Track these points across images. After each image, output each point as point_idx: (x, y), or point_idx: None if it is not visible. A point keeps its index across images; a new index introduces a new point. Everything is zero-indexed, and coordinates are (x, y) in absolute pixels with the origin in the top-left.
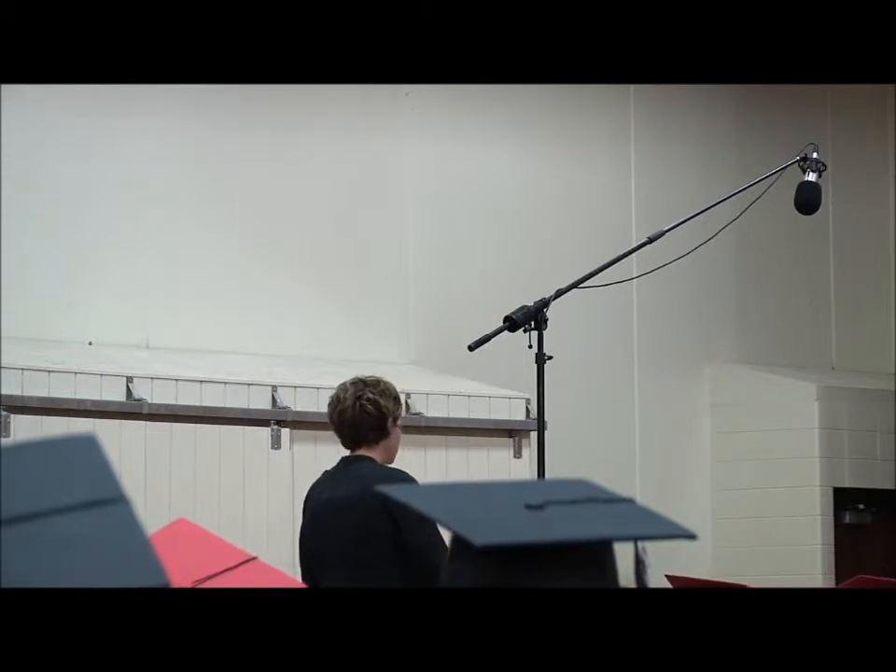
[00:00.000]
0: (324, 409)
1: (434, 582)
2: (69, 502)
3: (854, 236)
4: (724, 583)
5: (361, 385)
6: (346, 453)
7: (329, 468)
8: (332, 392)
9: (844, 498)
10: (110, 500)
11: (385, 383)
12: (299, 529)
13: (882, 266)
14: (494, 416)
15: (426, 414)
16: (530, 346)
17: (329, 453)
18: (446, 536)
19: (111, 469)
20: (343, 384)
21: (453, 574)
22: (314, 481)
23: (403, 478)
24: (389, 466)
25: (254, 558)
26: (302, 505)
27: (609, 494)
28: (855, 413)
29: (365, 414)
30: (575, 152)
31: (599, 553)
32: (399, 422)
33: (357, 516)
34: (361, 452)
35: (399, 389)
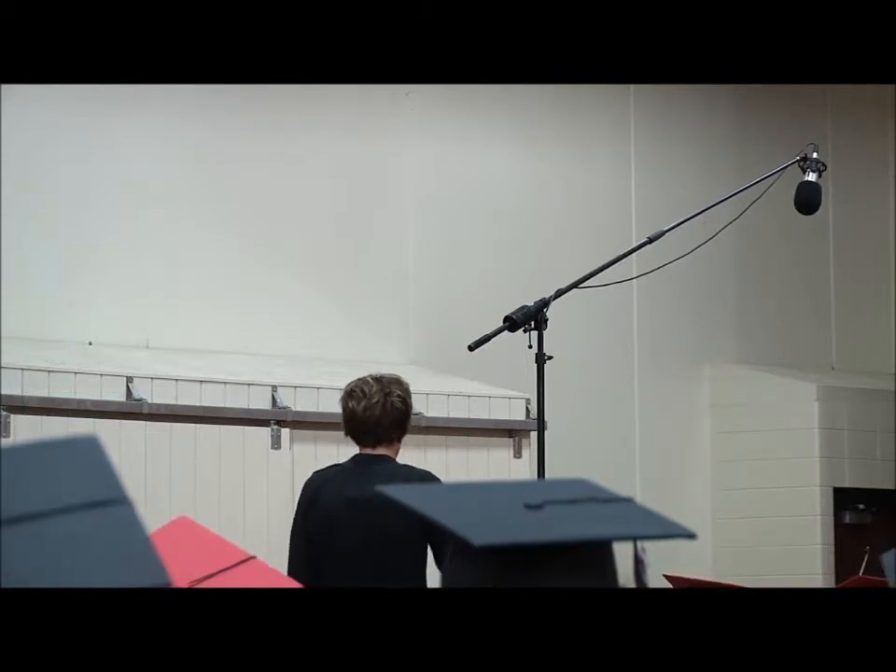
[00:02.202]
0: (324, 409)
1: None
2: (71, 502)
3: (854, 236)
4: (721, 584)
5: (385, 382)
6: (346, 451)
7: (335, 463)
8: (348, 387)
9: (844, 498)
10: (112, 501)
11: (404, 380)
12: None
13: (882, 266)
14: (494, 416)
15: (426, 414)
16: (530, 346)
17: (330, 452)
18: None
19: (113, 469)
20: (364, 379)
21: (452, 574)
22: (318, 474)
23: (432, 478)
24: (416, 467)
25: (252, 558)
26: (307, 498)
27: (609, 493)
28: (855, 412)
29: (395, 411)
30: (575, 152)
31: (599, 552)
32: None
33: (389, 517)
34: (381, 451)
35: None
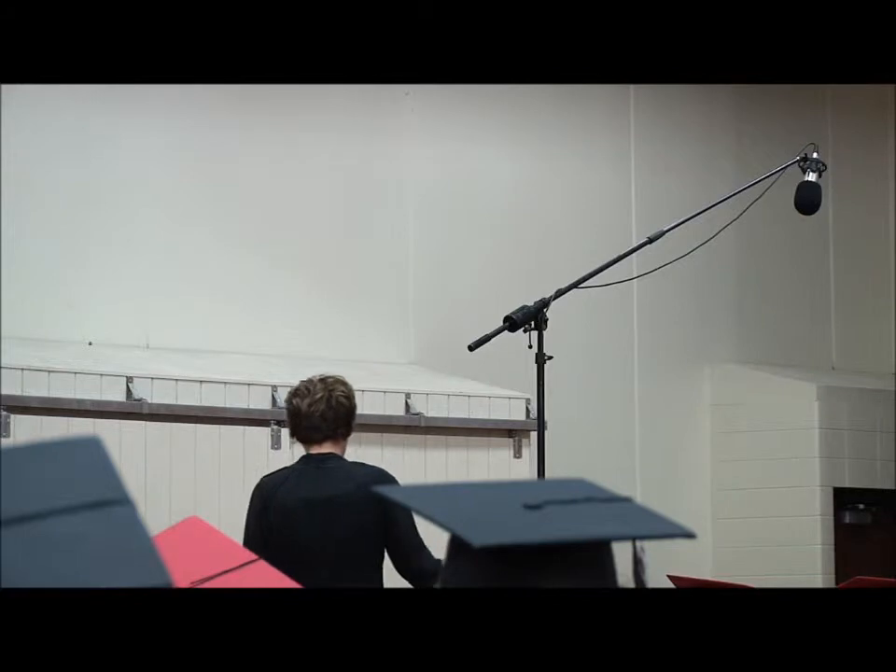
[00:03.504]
0: None
1: (423, 579)
2: (72, 503)
3: (854, 236)
4: (726, 584)
5: (331, 380)
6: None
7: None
8: (293, 388)
9: (844, 498)
10: (113, 501)
11: (348, 381)
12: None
13: (882, 266)
14: (494, 416)
15: (426, 414)
16: (530, 346)
17: None
18: (444, 536)
19: (115, 470)
20: (309, 379)
21: (451, 574)
22: (269, 477)
23: (388, 477)
24: (368, 464)
25: (257, 560)
26: (261, 502)
27: (608, 493)
28: (855, 413)
29: (340, 406)
30: (575, 152)
31: (598, 552)
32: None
33: (352, 515)
34: (327, 448)
35: (398, 389)
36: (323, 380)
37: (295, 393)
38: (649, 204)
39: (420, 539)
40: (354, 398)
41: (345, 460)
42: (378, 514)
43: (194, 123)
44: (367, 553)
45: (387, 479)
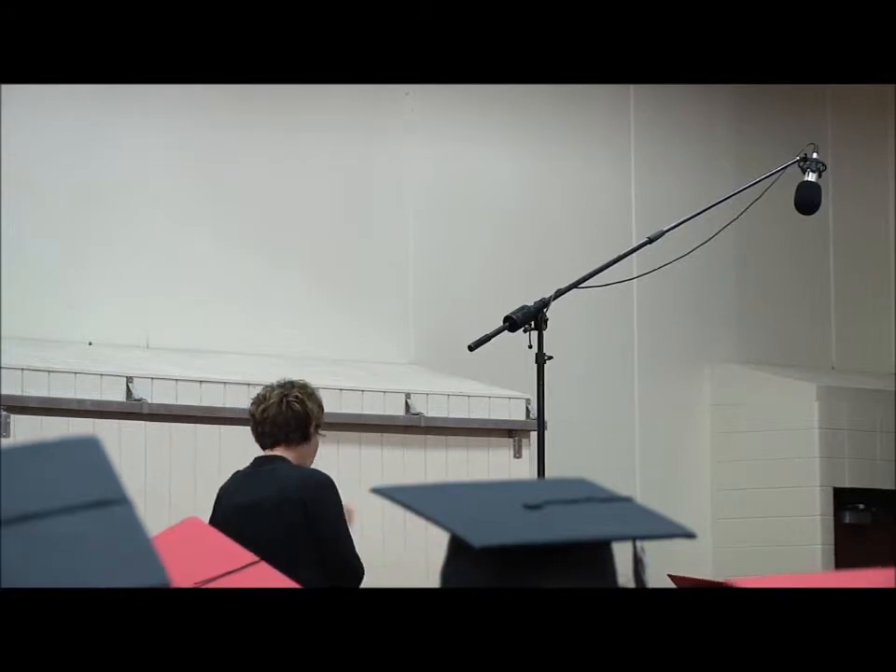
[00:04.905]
0: (324, 409)
1: (347, 577)
2: (71, 503)
3: (854, 236)
4: (725, 583)
5: (289, 385)
6: (346, 451)
7: (241, 468)
8: (259, 391)
9: (844, 498)
10: (112, 501)
11: (313, 387)
12: None
13: (882, 266)
14: (494, 416)
15: (426, 414)
16: (530, 346)
17: (329, 452)
18: (444, 536)
19: (113, 470)
20: (270, 384)
21: (451, 574)
22: (226, 482)
23: (321, 478)
24: (305, 468)
25: (258, 561)
26: (213, 507)
27: (608, 493)
28: (855, 413)
29: (291, 412)
30: (575, 152)
31: (598, 552)
32: (320, 431)
33: (279, 519)
34: (277, 452)
35: (398, 389)
36: (282, 385)
37: (253, 400)
38: (649, 204)
39: (343, 545)
40: (312, 402)
41: (285, 463)
42: (302, 515)
43: (194, 123)
44: (296, 554)
45: (319, 481)
